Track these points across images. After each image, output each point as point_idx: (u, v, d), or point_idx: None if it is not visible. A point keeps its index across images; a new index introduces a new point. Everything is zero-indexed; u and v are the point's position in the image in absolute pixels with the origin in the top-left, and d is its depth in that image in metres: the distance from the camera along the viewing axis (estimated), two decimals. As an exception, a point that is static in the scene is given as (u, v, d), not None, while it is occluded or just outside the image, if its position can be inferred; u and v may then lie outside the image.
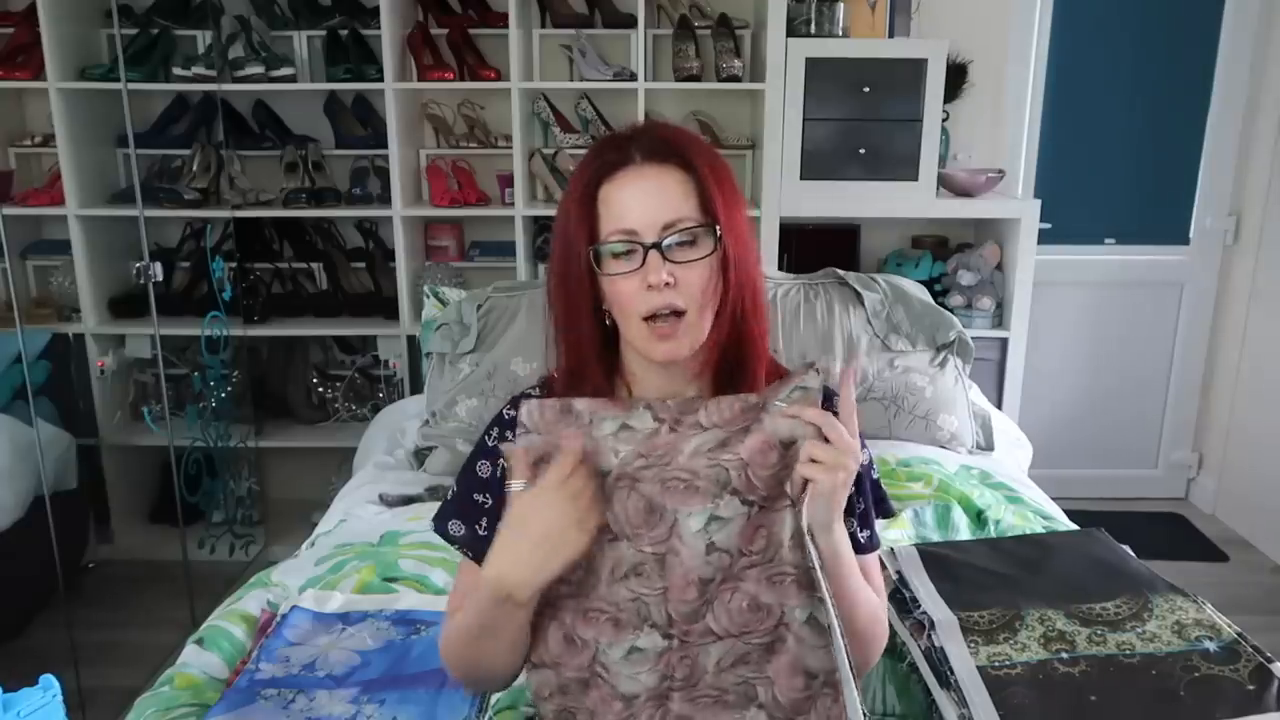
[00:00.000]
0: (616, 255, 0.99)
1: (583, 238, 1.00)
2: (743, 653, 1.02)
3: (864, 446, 1.09)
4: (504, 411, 1.10)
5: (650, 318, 0.99)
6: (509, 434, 1.06)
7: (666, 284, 0.97)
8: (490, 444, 1.08)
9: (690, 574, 1.00)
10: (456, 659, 1.06)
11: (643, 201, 0.98)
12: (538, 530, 0.95)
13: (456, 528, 1.08)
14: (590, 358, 1.05)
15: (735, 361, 1.05)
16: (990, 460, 2.27)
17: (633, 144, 1.00)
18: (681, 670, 1.01)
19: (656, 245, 0.98)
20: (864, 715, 0.99)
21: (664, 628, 1.01)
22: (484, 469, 1.08)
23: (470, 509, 1.07)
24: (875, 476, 1.13)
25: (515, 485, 0.99)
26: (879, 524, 1.15)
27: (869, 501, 1.10)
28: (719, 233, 1.00)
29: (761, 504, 1.00)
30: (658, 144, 1.00)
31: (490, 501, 1.06)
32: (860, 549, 1.08)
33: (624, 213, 0.98)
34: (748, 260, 1.04)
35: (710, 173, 1.00)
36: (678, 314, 0.99)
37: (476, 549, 1.05)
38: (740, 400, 1.02)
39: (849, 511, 1.07)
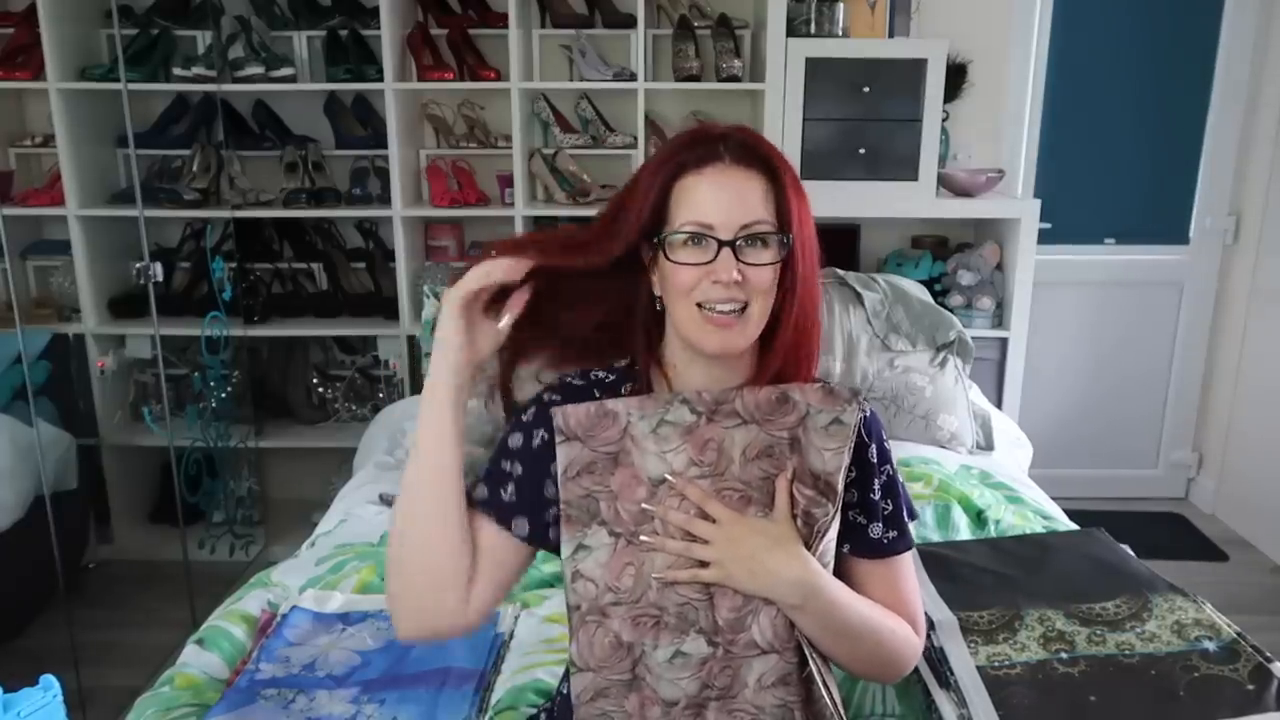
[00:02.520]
0: (687, 244, 1.01)
1: (650, 220, 1.03)
2: (785, 673, 1.02)
3: (886, 445, 1.10)
4: (544, 395, 1.10)
5: (704, 305, 1.00)
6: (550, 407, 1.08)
7: (735, 281, 0.99)
8: (526, 419, 1.08)
9: None
10: (394, 561, 1.04)
11: (725, 199, 1.00)
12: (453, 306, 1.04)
13: (481, 491, 1.07)
14: (642, 326, 1.08)
15: (788, 375, 1.07)
16: (990, 460, 2.27)
17: (722, 143, 1.02)
18: (722, 680, 1.01)
19: (731, 243, 1.00)
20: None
21: (710, 634, 1.02)
22: (516, 440, 1.08)
23: (498, 475, 1.08)
24: (901, 479, 1.13)
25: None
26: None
27: (898, 500, 1.10)
28: (790, 241, 1.02)
29: (806, 520, 1.03)
30: (747, 148, 1.03)
31: (520, 470, 1.06)
32: (881, 552, 1.08)
33: (704, 206, 1.00)
34: (813, 275, 1.06)
35: (791, 185, 1.03)
36: (741, 307, 1.01)
37: (500, 511, 1.06)
38: (775, 391, 1.05)
39: (871, 515, 1.07)
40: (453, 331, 1.04)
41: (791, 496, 1.02)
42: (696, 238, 1.00)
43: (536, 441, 1.06)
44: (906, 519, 1.10)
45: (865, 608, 1.04)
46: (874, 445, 1.08)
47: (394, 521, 1.05)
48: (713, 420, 1.04)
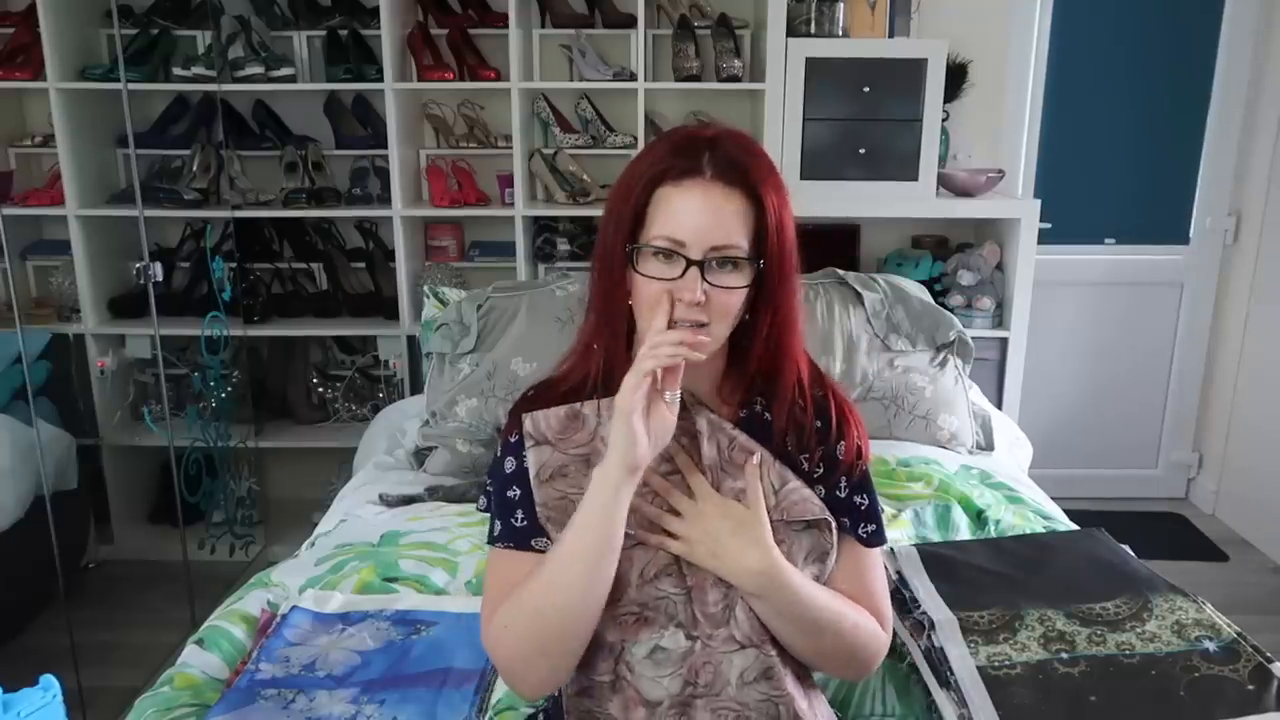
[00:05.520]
0: (657, 258, 0.99)
1: (628, 226, 1.01)
2: (765, 667, 1.03)
3: (859, 441, 1.10)
4: (523, 415, 1.09)
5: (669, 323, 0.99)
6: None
7: (698, 302, 0.97)
8: (513, 441, 1.08)
9: (712, 575, 1.02)
10: (528, 625, 0.99)
11: (699, 217, 0.98)
12: (633, 413, 0.96)
13: (496, 526, 1.07)
14: (622, 339, 1.06)
15: (765, 388, 1.08)
16: (990, 460, 2.27)
17: (707, 156, 1.00)
18: (705, 676, 1.02)
19: (700, 263, 0.98)
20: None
21: (688, 628, 1.02)
22: (510, 465, 1.07)
23: (505, 506, 1.07)
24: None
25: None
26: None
27: (874, 495, 1.10)
28: (762, 266, 1.00)
29: (774, 517, 1.03)
30: (731, 165, 1.00)
31: (520, 493, 1.06)
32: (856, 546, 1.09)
33: (678, 221, 0.98)
34: (788, 291, 1.04)
35: (774, 207, 1.01)
36: (700, 325, 0.99)
37: (517, 538, 1.05)
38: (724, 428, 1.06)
39: (839, 510, 1.07)
40: (640, 430, 0.96)
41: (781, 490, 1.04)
42: (666, 253, 0.99)
43: (524, 464, 1.07)
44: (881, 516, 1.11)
45: (828, 600, 1.04)
46: (843, 442, 1.08)
47: (535, 596, 0.99)
48: (682, 420, 1.03)
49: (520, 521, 1.05)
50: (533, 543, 1.04)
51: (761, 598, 1.01)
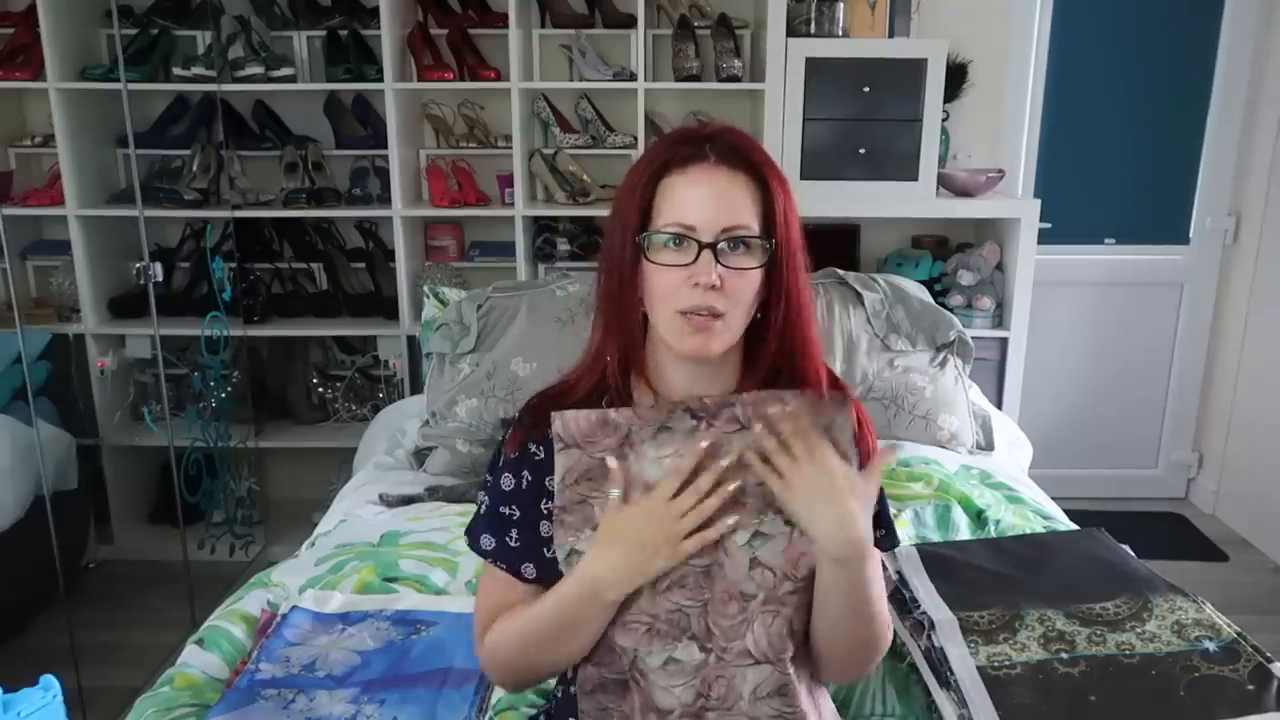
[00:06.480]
0: (668, 245, 0.99)
1: (636, 221, 1.01)
2: (780, 683, 1.02)
3: (870, 445, 1.09)
4: (524, 432, 1.08)
5: (685, 312, 0.98)
6: (531, 446, 1.06)
7: (713, 286, 0.97)
8: (513, 457, 1.07)
9: (733, 587, 1.01)
10: (512, 662, 1.06)
11: (708, 200, 0.98)
12: (634, 538, 0.98)
13: (488, 541, 1.07)
14: (636, 339, 1.05)
15: (788, 376, 1.06)
16: (990, 460, 2.27)
17: (709, 143, 1.00)
18: (718, 689, 1.01)
19: (712, 245, 0.97)
20: None
21: (702, 640, 1.01)
22: (508, 482, 1.07)
23: (500, 522, 1.06)
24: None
25: (613, 492, 1.00)
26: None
27: (884, 498, 1.09)
28: (774, 247, 1.00)
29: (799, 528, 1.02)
30: (734, 149, 1.00)
31: (518, 513, 1.06)
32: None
33: (687, 207, 0.98)
34: (800, 279, 1.04)
35: (778, 189, 1.01)
36: (716, 315, 0.98)
37: (509, 560, 1.06)
38: (774, 396, 1.02)
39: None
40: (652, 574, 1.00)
41: None
42: (678, 239, 0.98)
43: (524, 484, 1.06)
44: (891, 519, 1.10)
45: (882, 592, 1.03)
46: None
47: (521, 632, 1.04)
48: (713, 424, 1.03)
49: (514, 541, 1.06)
50: (522, 569, 1.05)
51: (843, 567, 0.97)
